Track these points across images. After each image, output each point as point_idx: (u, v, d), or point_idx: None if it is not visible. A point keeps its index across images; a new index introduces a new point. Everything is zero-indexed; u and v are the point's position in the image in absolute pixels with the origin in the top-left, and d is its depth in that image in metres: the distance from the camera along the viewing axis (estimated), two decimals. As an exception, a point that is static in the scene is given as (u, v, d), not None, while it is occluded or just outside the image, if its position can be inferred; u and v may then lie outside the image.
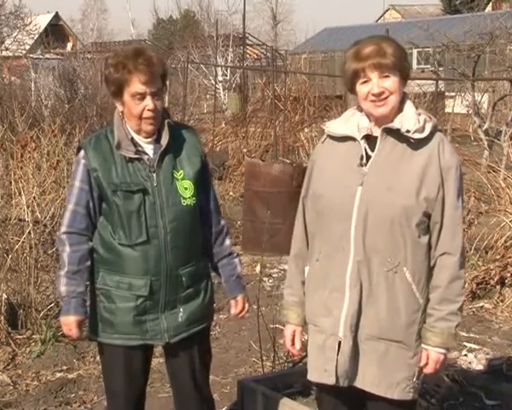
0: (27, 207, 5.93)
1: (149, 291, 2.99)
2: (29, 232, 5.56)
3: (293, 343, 2.97)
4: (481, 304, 6.35)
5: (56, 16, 45.99)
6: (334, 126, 2.83)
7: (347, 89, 2.84)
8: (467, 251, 7.10)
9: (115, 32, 50.85)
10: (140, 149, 3.00)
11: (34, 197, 6.57)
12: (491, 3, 37.22)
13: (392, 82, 2.67)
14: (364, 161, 2.73)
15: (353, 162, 2.75)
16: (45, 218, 6.49)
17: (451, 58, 14.57)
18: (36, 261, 5.57)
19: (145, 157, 3.00)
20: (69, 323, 3.02)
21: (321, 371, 2.81)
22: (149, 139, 3.01)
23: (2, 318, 5.18)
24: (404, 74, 2.73)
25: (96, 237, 3.04)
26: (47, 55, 22.61)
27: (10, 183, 7.64)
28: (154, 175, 2.99)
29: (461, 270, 2.74)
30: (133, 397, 3.18)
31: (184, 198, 3.02)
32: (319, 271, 2.82)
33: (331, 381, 2.77)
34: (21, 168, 7.89)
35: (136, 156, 2.98)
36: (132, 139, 2.99)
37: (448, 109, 16.23)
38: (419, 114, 2.73)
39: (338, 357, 2.75)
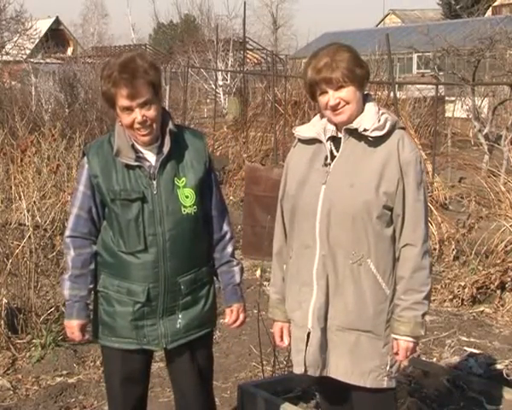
0: (27, 212, 5.94)
1: (147, 298, 2.99)
2: (29, 237, 5.55)
3: (282, 339, 3.08)
4: (482, 309, 6.34)
5: (57, 21, 46.06)
6: (303, 130, 2.99)
7: (309, 97, 2.99)
8: (467, 255, 7.11)
9: (116, 36, 51.13)
10: (141, 155, 2.96)
11: (34, 202, 6.57)
12: (491, 8, 37.27)
13: (346, 92, 2.79)
14: (329, 161, 2.87)
15: (320, 163, 2.88)
16: (45, 222, 6.49)
17: (451, 63, 14.57)
18: (36, 266, 5.56)
19: (146, 164, 2.96)
20: (72, 326, 3.09)
21: (295, 362, 2.95)
22: (150, 147, 2.97)
23: (2, 322, 5.17)
24: (359, 82, 2.81)
25: (99, 241, 3.06)
26: (47, 60, 22.61)
27: (10, 187, 7.65)
28: (155, 183, 2.95)
29: (424, 260, 2.81)
30: (131, 401, 3.18)
31: (185, 206, 2.98)
32: (292, 267, 2.95)
33: (299, 371, 2.91)
34: (22, 173, 7.90)
35: (137, 164, 2.94)
36: (133, 146, 2.95)
37: (448, 114, 16.24)
38: (381, 114, 2.84)
39: (307, 348, 2.88)
